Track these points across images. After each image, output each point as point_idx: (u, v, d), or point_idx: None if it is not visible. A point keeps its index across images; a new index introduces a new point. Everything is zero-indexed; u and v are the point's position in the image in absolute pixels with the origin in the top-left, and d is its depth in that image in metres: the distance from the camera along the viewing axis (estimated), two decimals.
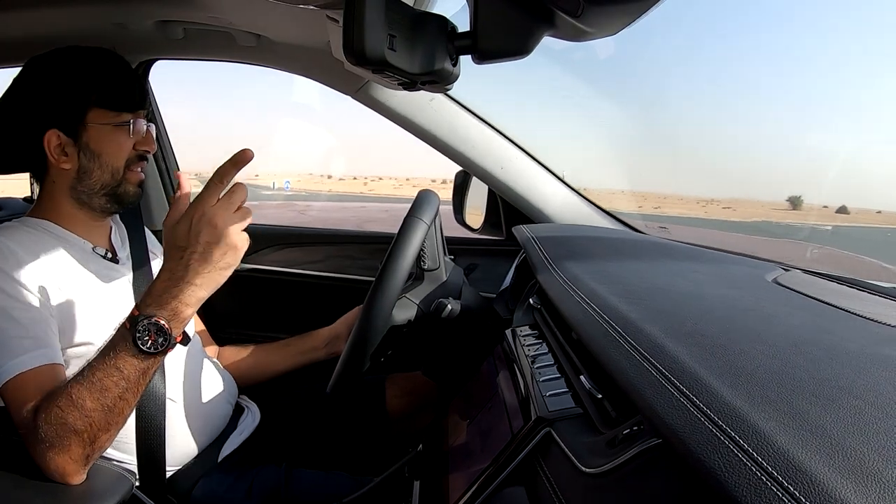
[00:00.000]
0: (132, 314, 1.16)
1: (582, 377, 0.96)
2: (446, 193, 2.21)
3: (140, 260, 1.57)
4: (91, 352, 1.24)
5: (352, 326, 1.44)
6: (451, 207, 2.27)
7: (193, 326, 1.76)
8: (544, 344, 1.19)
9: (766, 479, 0.48)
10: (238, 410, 1.74)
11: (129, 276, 1.53)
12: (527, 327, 1.31)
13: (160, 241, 1.47)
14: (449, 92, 1.92)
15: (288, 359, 1.92)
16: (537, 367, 1.07)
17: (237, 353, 1.92)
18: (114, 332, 1.19)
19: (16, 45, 1.82)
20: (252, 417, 1.75)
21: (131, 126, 1.43)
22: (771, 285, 1.21)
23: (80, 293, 1.38)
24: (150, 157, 1.51)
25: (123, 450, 1.43)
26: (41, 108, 1.40)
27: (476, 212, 2.28)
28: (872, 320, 0.95)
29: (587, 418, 0.89)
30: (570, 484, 0.80)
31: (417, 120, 1.96)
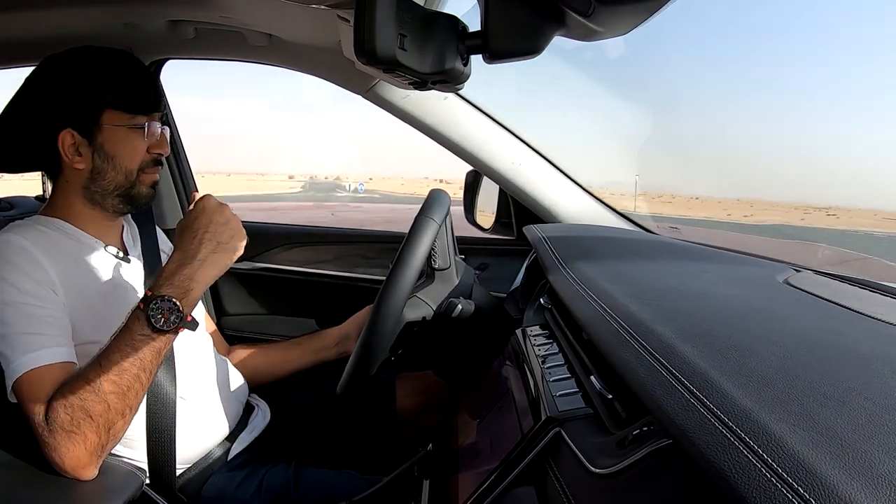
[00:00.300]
0: (145, 295, 1.23)
1: (592, 377, 0.96)
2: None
3: (151, 259, 1.58)
4: (101, 348, 1.25)
5: (362, 326, 1.44)
6: (461, 207, 2.27)
7: (205, 324, 1.76)
8: (555, 344, 1.19)
9: (776, 481, 0.48)
10: (248, 409, 1.74)
11: (141, 274, 1.54)
12: (537, 327, 1.31)
13: (171, 241, 1.48)
14: (460, 91, 1.91)
15: (298, 358, 1.92)
16: (547, 367, 1.07)
17: (248, 353, 1.92)
18: (129, 315, 1.25)
19: (28, 45, 1.83)
20: (262, 416, 1.75)
21: (146, 129, 1.44)
22: (782, 286, 1.20)
23: (92, 291, 1.39)
24: (165, 157, 1.51)
25: (134, 448, 1.44)
26: (56, 106, 1.40)
27: (487, 211, 2.27)
28: (884, 321, 0.95)
29: (597, 419, 0.89)
30: (579, 484, 0.80)
31: (428, 120, 1.96)
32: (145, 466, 1.45)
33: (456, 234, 1.72)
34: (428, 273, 1.59)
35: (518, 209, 2.13)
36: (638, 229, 2.04)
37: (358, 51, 0.83)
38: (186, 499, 1.51)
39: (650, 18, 0.87)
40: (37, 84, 1.44)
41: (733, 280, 1.25)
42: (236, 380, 1.71)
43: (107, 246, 1.50)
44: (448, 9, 1.22)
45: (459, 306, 1.51)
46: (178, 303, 1.23)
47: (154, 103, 1.46)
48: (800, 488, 0.46)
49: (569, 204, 2.03)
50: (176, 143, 2.43)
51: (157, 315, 1.21)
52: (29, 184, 2.01)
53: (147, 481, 1.42)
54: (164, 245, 1.71)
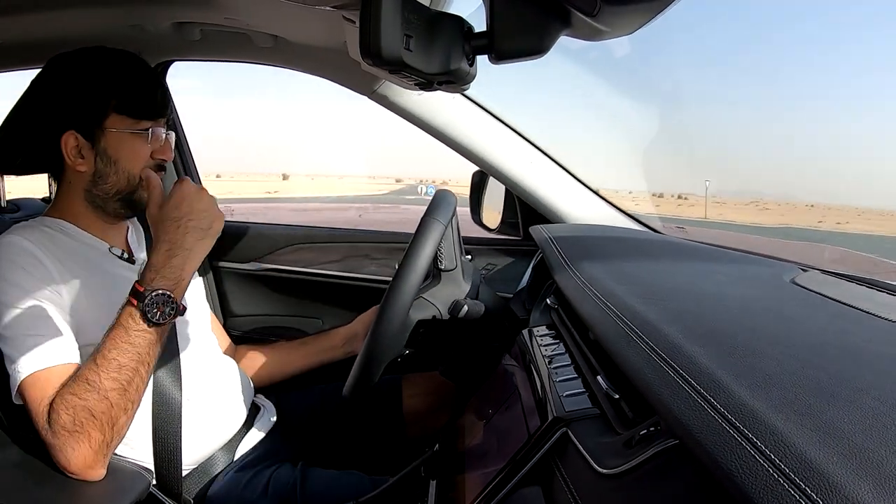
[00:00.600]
0: (136, 290, 1.23)
1: (599, 377, 0.96)
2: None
3: None
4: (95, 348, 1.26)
5: (370, 325, 1.44)
6: (467, 207, 2.27)
7: (210, 324, 1.76)
8: (561, 344, 1.19)
9: (783, 481, 0.48)
10: (254, 409, 1.74)
11: None
12: (544, 327, 1.31)
13: None
14: (466, 92, 1.91)
15: (305, 358, 1.92)
16: (554, 368, 1.07)
17: (254, 353, 1.93)
18: (120, 311, 1.25)
19: (33, 47, 1.83)
20: (268, 416, 1.75)
21: (150, 134, 1.44)
22: (789, 286, 1.20)
23: (96, 293, 1.39)
24: (168, 162, 1.51)
25: (140, 449, 1.44)
26: (60, 108, 1.40)
27: (493, 212, 2.27)
28: (891, 321, 0.95)
29: (604, 419, 0.89)
30: (586, 484, 0.80)
31: (434, 120, 1.96)
32: (152, 467, 1.45)
33: (462, 234, 1.72)
34: (434, 274, 1.58)
35: (524, 209, 2.13)
36: (644, 229, 2.03)
37: (363, 52, 0.84)
38: (192, 500, 1.51)
39: (656, 18, 0.87)
40: (42, 85, 1.45)
41: (740, 280, 1.25)
42: (242, 380, 1.71)
43: (111, 247, 1.50)
44: (454, 9, 1.23)
45: (466, 307, 1.51)
46: (171, 295, 1.24)
47: (160, 108, 1.46)
48: (807, 488, 0.46)
49: (575, 204, 2.02)
50: (182, 146, 2.43)
51: (152, 310, 1.22)
52: (41, 184, 2.02)
53: (154, 482, 1.43)
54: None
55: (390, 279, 1.39)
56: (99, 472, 1.25)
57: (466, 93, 1.94)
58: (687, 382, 0.66)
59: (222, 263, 2.40)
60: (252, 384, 1.76)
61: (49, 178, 1.58)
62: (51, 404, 1.21)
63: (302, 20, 1.63)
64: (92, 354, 1.23)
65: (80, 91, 1.40)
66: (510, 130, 2.01)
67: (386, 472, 1.59)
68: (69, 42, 1.49)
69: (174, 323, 1.37)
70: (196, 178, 2.51)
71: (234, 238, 2.37)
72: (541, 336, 1.26)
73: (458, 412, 1.45)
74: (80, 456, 1.20)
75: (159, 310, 1.22)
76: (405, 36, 0.85)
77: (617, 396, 0.89)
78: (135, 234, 1.61)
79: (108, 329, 1.25)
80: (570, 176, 2.05)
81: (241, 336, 2.10)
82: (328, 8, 1.21)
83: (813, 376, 0.65)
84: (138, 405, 1.27)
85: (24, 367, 1.24)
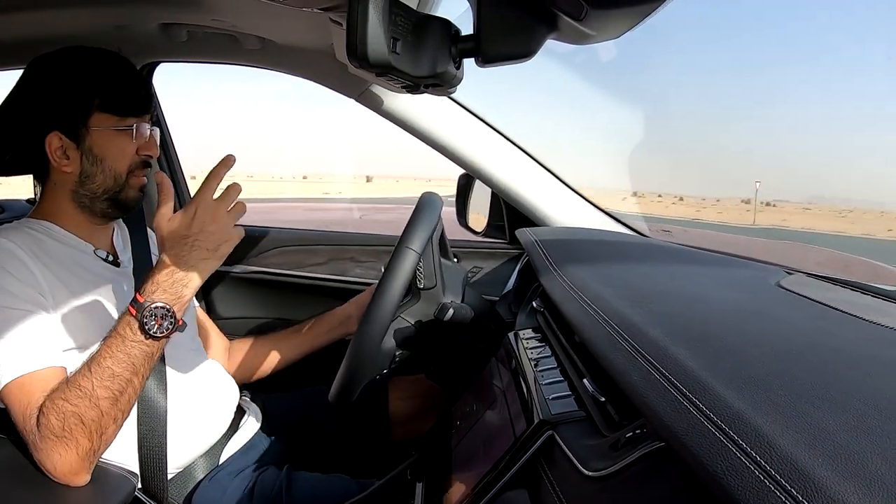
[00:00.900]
0: (136, 300, 1.22)
1: (585, 380, 0.96)
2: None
3: (142, 262, 1.56)
4: (90, 354, 1.25)
5: (363, 306, 1.44)
6: (454, 210, 2.27)
7: (195, 327, 1.75)
8: (547, 347, 1.19)
9: (770, 483, 0.48)
10: (239, 413, 1.73)
11: (131, 279, 1.53)
12: (530, 330, 1.31)
13: None
14: (452, 94, 1.92)
15: (301, 345, 1.93)
16: (540, 371, 1.07)
17: (249, 345, 1.93)
18: (119, 320, 1.24)
19: (18, 47, 1.82)
20: (253, 420, 1.74)
21: (134, 130, 1.42)
22: (774, 288, 1.21)
23: (81, 296, 1.38)
24: (154, 159, 1.50)
25: (125, 453, 1.43)
26: (44, 108, 1.39)
27: (479, 215, 2.28)
28: (876, 323, 0.95)
29: (590, 421, 0.89)
30: (572, 487, 0.81)
31: (420, 123, 1.96)
32: (137, 471, 1.44)
33: (449, 236, 1.72)
34: (414, 292, 1.58)
35: (510, 212, 2.13)
36: (630, 232, 2.04)
37: (350, 54, 0.84)
38: (178, 503, 1.51)
39: (642, 22, 0.87)
40: (25, 86, 1.43)
41: (725, 283, 1.26)
42: (227, 383, 1.70)
43: (96, 249, 1.49)
44: (441, 12, 1.23)
45: (452, 310, 1.51)
46: (171, 309, 1.22)
47: (143, 105, 1.45)
48: (793, 490, 0.47)
49: (561, 207, 2.03)
50: (167, 144, 2.42)
51: (150, 322, 1.21)
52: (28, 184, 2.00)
53: (139, 485, 1.42)
54: (156, 248, 1.70)
55: (375, 282, 1.39)
56: (84, 479, 1.24)
57: (453, 96, 1.94)
58: (672, 385, 0.66)
59: None
60: (237, 387, 1.76)
61: (34, 178, 1.56)
62: (40, 408, 1.20)
63: (289, 22, 1.63)
64: (86, 361, 1.23)
65: (63, 91, 1.39)
66: (497, 134, 2.01)
67: (372, 475, 1.59)
68: (55, 42, 1.48)
69: None
70: (181, 175, 2.51)
71: None
72: (527, 339, 1.26)
73: (445, 415, 1.44)
74: (66, 462, 1.20)
75: (157, 322, 1.22)
76: (392, 39, 0.85)
77: (603, 399, 0.90)
78: (120, 235, 1.60)
79: (105, 336, 1.24)
80: (556, 179, 2.05)
81: (228, 338, 2.08)
82: (315, 10, 1.21)
83: (798, 378, 0.66)
84: (128, 415, 1.27)
85: (7, 371, 1.23)
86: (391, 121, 1.98)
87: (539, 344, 1.22)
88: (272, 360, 1.92)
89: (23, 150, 1.43)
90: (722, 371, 0.68)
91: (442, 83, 0.98)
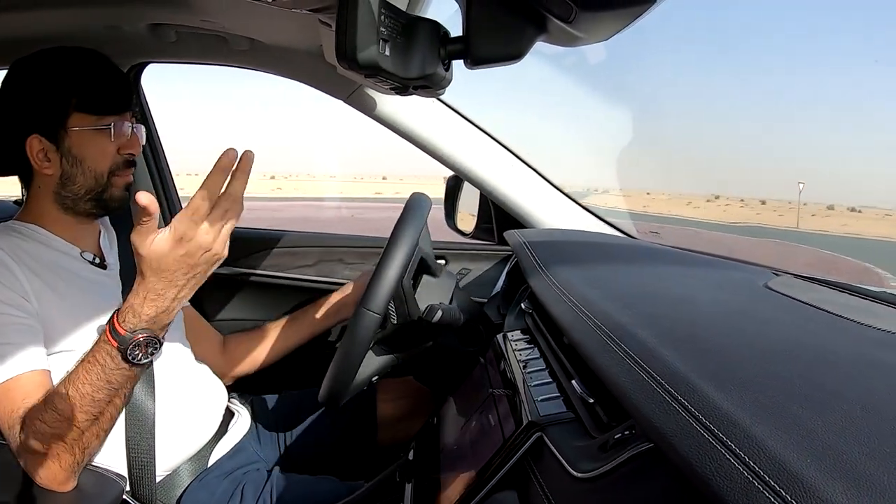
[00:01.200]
0: (116, 331, 1.14)
1: (573, 382, 0.96)
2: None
3: (129, 264, 1.54)
4: (74, 358, 1.22)
5: (360, 291, 1.44)
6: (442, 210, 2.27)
7: (183, 332, 1.74)
8: (536, 349, 1.19)
9: (758, 484, 0.48)
10: (228, 415, 1.72)
11: (117, 280, 1.53)
12: (518, 332, 1.31)
13: None
14: (441, 96, 1.92)
15: (297, 333, 1.93)
16: (529, 372, 1.07)
17: (243, 339, 1.93)
18: (95, 347, 1.18)
19: (5, 47, 1.81)
20: (242, 422, 1.74)
21: (112, 130, 1.40)
22: (762, 290, 1.21)
23: (67, 299, 1.37)
24: (142, 157, 1.48)
25: (113, 457, 1.42)
26: (23, 111, 1.38)
27: (468, 216, 2.28)
28: (863, 324, 0.96)
29: (579, 423, 0.89)
30: (561, 488, 0.81)
31: (409, 125, 1.96)
32: (125, 473, 1.43)
33: (437, 237, 1.72)
34: (387, 325, 1.57)
35: (499, 214, 2.14)
36: (619, 234, 2.04)
37: (339, 55, 0.84)
38: None
39: (632, 24, 0.88)
40: (5, 89, 1.42)
41: (713, 284, 1.26)
42: (215, 386, 1.70)
43: (82, 252, 1.48)
44: (430, 14, 1.23)
45: (440, 312, 1.51)
46: (156, 336, 1.16)
47: (123, 103, 1.44)
48: (781, 490, 0.47)
49: (550, 209, 2.03)
50: (154, 142, 2.41)
51: (135, 352, 1.15)
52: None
53: (127, 488, 1.41)
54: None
55: (373, 267, 1.39)
56: (69, 486, 1.23)
57: (442, 97, 1.94)
58: (661, 386, 0.67)
59: None
60: (225, 390, 1.75)
61: (19, 180, 1.55)
62: (22, 422, 1.19)
63: (278, 23, 1.62)
64: (64, 382, 1.19)
65: (40, 93, 1.38)
66: (485, 135, 2.02)
67: (360, 477, 1.59)
68: (44, 42, 1.47)
69: None
70: (168, 174, 2.50)
71: None
72: (515, 340, 1.26)
73: (434, 417, 1.44)
74: (49, 474, 1.19)
75: (142, 351, 1.16)
76: (381, 40, 0.85)
77: (591, 400, 0.90)
78: (107, 236, 1.59)
79: (82, 360, 1.19)
80: (544, 181, 2.05)
81: None
82: (305, 11, 1.20)
83: (786, 379, 0.66)
84: (111, 429, 1.25)
85: None
86: (380, 122, 1.98)
87: (528, 345, 1.22)
88: (268, 352, 1.92)
89: (5, 153, 1.42)
90: (710, 372, 0.68)
91: (431, 85, 0.98)
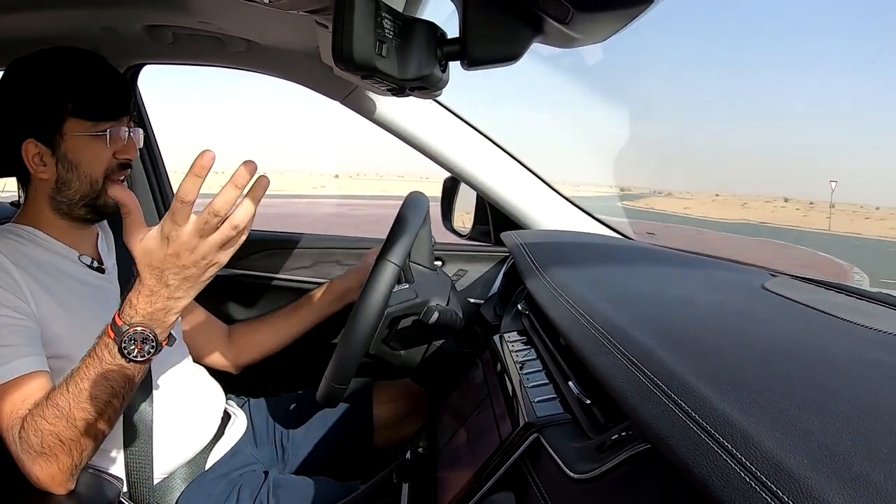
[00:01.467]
0: (115, 323, 1.15)
1: (570, 383, 0.96)
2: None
3: (127, 268, 1.54)
4: (73, 362, 1.22)
5: (364, 277, 1.45)
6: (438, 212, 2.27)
7: (181, 335, 1.73)
8: (532, 350, 1.19)
9: (755, 484, 0.48)
10: (225, 417, 1.72)
11: (115, 284, 1.52)
12: (515, 333, 1.31)
13: None
14: (438, 98, 1.92)
15: (302, 320, 1.94)
16: (525, 373, 1.07)
17: (249, 328, 1.95)
18: (97, 342, 1.18)
19: (2, 47, 1.81)
20: (239, 424, 1.74)
21: (108, 135, 1.40)
22: (759, 291, 1.21)
23: (64, 303, 1.37)
24: (138, 160, 1.48)
25: (111, 459, 1.43)
26: (19, 116, 1.38)
27: (464, 217, 2.28)
28: (860, 325, 0.96)
29: (576, 424, 0.89)
30: (558, 489, 0.81)
31: (406, 126, 1.96)
32: (123, 475, 1.43)
33: (434, 238, 1.72)
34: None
35: (496, 215, 2.14)
36: (615, 235, 2.05)
37: (336, 57, 0.84)
38: None
39: (628, 25, 0.88)
40: (1, 92, 1.41)
41: (711, 285, 1.26)
42: (213, 389, 1.70)
43: (81, 255, 1.48)
44: (427, 15, 1.23)
45: (437, 313, 1.51)
46: (153, 332, 1.15)
47: (119, 107, 1.42)
48: (778, 491, 0.47)
49: (546, 210, 2.03)
50: (151, 144, 2.41)
51: (130, 346, 1.14)
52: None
53: (124, 490, 1.41)
54: None
55: (378, 246, 1.40)
56: (67, 488, 1.23)
57: (439, 99, 1.94)
58: (658, 387, 0.66)
59: None
60: (223, 392, 1.75)
61: (17, 182, 1.54)
62: (22, 423, 1.18)
63: (275, 25, 1.62)
64: (65, 379, 1.19)
65: (36, 98, 1.37)
66: (482, 137, 2.02)
67: (357, 478, 1.59)
68: (41, 43, 1.46)
69: None
70: (165, 176, 2.50)
71: None
72: (512, 342, 1.26)
73: (430, 418, 1.44)
74: (47, 474, 1.19)
75: (137, 347, 1.14)
76: (378, 41, 0.85)
77: (588, 401, 0.90)
78: (105, 240, 1.59)
79: (84, 357, 1.18)
80: (541, 182, 2.06)
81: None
82: (301, 13, 1.20)
83: (783, 380, 0.66)
84: (110, 430, 1.24)
85: None
86: (377, 124, 1.98)
87: (524, 347, 1.22)
88: (275, 338, 1.93)
89: (3, 157, 1.41)
90: (707, 373, 0.68)
91: (428, 86, 0.98)
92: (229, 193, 1.05)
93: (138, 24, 1.76)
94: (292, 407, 1.88)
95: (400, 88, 0.98)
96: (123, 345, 1.13)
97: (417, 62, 0.93)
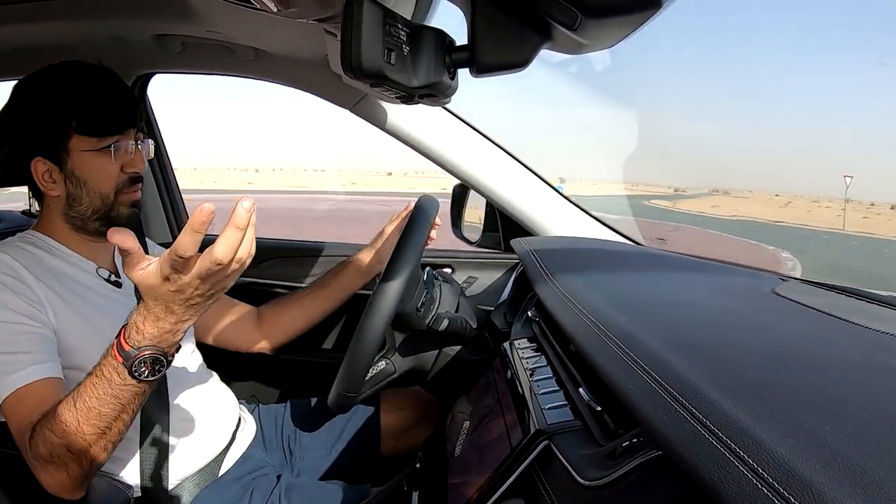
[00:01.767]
0: (122, 348, 1.11)
1: (581, 389, 0.96)
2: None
3: None
4: (84, 374, 1.19)
5: (384, 257, 1.44)
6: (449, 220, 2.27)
7: (193, 341, 1.73)
8: (543, 356, 1.19)
9: (767, 491, 0.48)
10: (238, 423, 1.72)
11: (132, 299, 1.50)
12: (525, 340, 1.31)
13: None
14: (447, 105, 1.92)
15: (329, 299, 1.93)
16: (536, 380, 1.07)
17: (278, 308, 1.93)
18: (102, 363, 1.14)
19: (12, 58, 1.82)
20: (248, 429, 1.74)
21: (113, 150, 1.39)
22: (770, 296, 1.21)
23: (81, 314, 1.38)
24: (148, 170, 1.48)
25: (126, 466, 1.43)
26: (26, 134, 1.38)
27: (474, 224, 2.28)
28: (871, 329, 0.95)
29: (586, 431, 0.89)
30: (569, 497, 0.80)
31: (415, 134, 1.96)
32: (137, 482, 1.44)
33: (443, 245, 1.72)
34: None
35: (505, 222, 2.14)
36: (625, 241, 2.04)
37: (344, 65, 0.84)
38: None
39: (636, 31, 0.88)
40: (10, 110, 1.42)
41: (721, 291, 1.26)
42: (225, 395, 1.70)
43: (98, 268, 1.49)
44: (435, 23, 1.23)
45: (447, 320, 1.50)
46: (163, 353, 1.12)
47: (125, 121, 1.42)
48: (791, 497, 0.46)
49: (556, 216, 2.03)
50: (161, 154, 2.42)
51: (140, 368, 1.11)
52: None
53: (137, 495, 1.42)
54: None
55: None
56: (78, 494, 1.22)
57: (447, 106, 1.94)
58: (669, 393, 0.66)
59: None
60: (235, 398, 1.75)
61: (29, 191, 1.55)
62: (32, 432, 1.17)
63: (284, 33, 1.63)
64: (71, 395, 1.16)
65: (41, 116, 1.37)
66: (491, 144, 2.02)
67: (366, 483, 1.59)
68: (50, 53, 1.48)
69: None
70: (175, 185, 2.51)
71: None
72: (522, 348, 1.26)
73: (441, 425, 1.44)
74: (58, 481, 1.18)
75: (147, 368, 1.11)
76: (386, 49, 0.85)
77: (599, 408, 0.89)
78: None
79: (89, 374, 1.15)
80: (550, 189, 2.05)
81: (223, 353, 2.06)
82: (310, 21, 1.20)
83: (795, 385, 0.66)
84: (120, 440, 1.22)
85: (6, 385, 1.22)
86: (386, 131, 1.98)
87: (535, 353, 1.22)
88: (303, 317, 1.92)
89: (15, 174, 1.42)
90: (718, 379, 0.68)
91: (436, 93, 0.98)
92: (232, 238, 0.99)
93: (147, 33, 1.77)
94: (300, 413, 1.89)
95: (409, 96, 0.97)
96: (133, 368, 1.10)
97: (426, 70, 0.93)
